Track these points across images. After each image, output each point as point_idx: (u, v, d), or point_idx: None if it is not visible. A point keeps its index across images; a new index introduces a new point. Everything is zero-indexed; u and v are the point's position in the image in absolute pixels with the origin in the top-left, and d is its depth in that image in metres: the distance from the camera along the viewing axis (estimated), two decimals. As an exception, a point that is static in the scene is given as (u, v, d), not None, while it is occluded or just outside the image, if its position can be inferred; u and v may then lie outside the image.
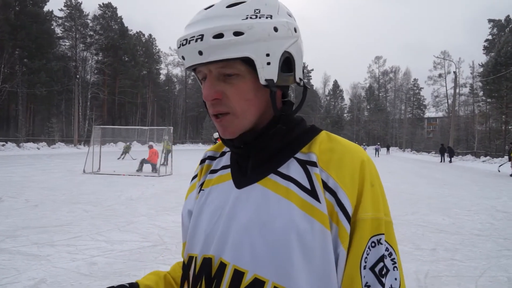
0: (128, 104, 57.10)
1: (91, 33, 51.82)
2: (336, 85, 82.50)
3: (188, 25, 0.71)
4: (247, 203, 0.73)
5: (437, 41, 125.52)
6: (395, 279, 0.69)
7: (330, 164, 0.72)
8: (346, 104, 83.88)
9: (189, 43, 0.68)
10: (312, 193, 0.69)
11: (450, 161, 32.14)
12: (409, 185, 13.29)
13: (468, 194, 11.40)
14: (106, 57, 51.87)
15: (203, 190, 0.84)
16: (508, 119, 42.24)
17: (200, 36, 0.67)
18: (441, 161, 32.88)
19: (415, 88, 75.07)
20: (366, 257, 0.68)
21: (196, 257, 0.78)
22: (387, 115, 75.20)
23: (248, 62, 0.70)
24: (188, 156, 27.91)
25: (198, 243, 0.78)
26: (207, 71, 0.72)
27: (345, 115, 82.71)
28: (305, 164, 0.73)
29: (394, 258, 0.71)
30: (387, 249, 0.70)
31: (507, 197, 10.84)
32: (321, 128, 0.81)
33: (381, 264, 0.68)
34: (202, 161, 0.92)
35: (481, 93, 50.60)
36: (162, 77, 71.36)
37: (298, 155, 0.75)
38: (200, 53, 0.68)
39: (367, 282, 0.67)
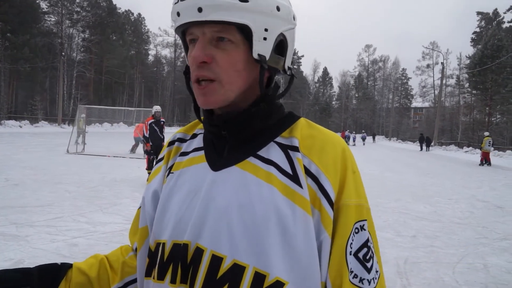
0: (115, 84, 56.12)
1: (78, 9, 50.31)
2: (325, 72, 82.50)
3: None
4: (225, 186, 0.69)
5: (427, 31, 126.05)
6: (377, 262, 0.71)
7: (312, 150, 0.71)
8: (335, 92, 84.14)
9: None
10: (294, 178, 0.68)
11: (428, 150, 34.09)
12: (393, 173, 13.48)
13: (450, 183, 11.63)
14: (93, 35, 50.58)
15: (172, 173, 0.79)
16: (492, 111, 43.01)
17: None
18: (420, 150, 34.61)
19: (403, 77, 75.63)
20: (351, 243, 0.68)
21: (164, 243, 0.73)
22: (374, 103, 75.74)
23: (245, 33, 0.68)
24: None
25: (166, 228, 0.73)
26: (200, 33, 0.68)
27: (333, 102, 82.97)
28: (287, 149, 0.72)
29: (372, 243, 0.72)
30: (369, 234, 0.71)
31: (488, 187, 11.10)
32: (305, 116, 0.81)
33: (365, 249, 0.69)
34: (171, 143, 0.87)
35: (466, 85, 51.23)
36: (151, 58, 70.25)
37: (279, 139, 0.73)
38: (200, 10, 0.65)
39: (351, 268, 0.67)
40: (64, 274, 0.79)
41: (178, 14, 0.68)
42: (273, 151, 0.72)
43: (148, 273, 0.77)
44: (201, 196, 0.70)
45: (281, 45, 0.73)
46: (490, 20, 54.52)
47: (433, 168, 16.80)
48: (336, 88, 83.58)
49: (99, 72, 52.41)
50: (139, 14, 65.83)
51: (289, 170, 0.69)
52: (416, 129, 64.26)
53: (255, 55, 0.69)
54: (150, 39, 68.30)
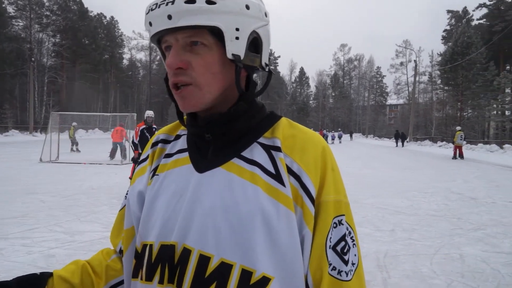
0: (89, 89, 54.87)
1: (48, 13, 48.94)
2: (302, 72, 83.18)
3: None
4: (210, 187, 0.71)
5: (399, 30, 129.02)
6: (355, 255, 0.74)
7: (294, 150, 0.73)
8: (312, 91, 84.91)
9: (159, 7, 0.67)
10: (277, 177, 0.70)
11: (403, 145, 35.14)
12: (371, 170, 13.72)
13: (425, 177, 11.94)
14: (64, 40, 49.36)
15: (157, 175, 0.80)
16: (463, 106, 44.35)
17: (171, 0, 0.66)
18: (396, 146, 35.61)
19: (378, 76, 77.12)
20: (331, 237, 0.71)
21: (151, 245, 0.73)
22: (351, 102, 76.88)
23: (217, 35, 0.69)
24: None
25: (154, 230, 0.74)
26: (173, 40, 0.70)
27: (310, 102, 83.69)
28: (269, 149, 0.74)
29: (353, 236, 0.74)
30: (347, 228, 0.74)
31: (461, 179, 11.45)
32: (281, 115, 0.82)
33: (343, 243, 0.72)
34: (154, 144, 0.87)
35: (439, 81, 52.68)
36: (125, 61, 69.12)
37: (261, 140, 0.75)
38: (170, 17, 0.66)
39: (331, 261, 0.70)
40: (45, 283, 0.77)
41: (150, 24, 0.70)
42: (256, 152, 0.73)
43: (135, 275, 0.78)
44: (187, 198, 0.72)
45: (255, 43, 0.74)
46: (459, 18, 56.29)
47: (409, 163, 17.21)
48: (313, 88, 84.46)
49: (71, 78, 51.11)
50: (112, 17, 64.71)
51: (272, 169, 0.71)
52: (392, 125, 65.55)
53: (229, 55, 0.70)
54: (124, 42, 67.21)
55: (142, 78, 70.79)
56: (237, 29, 0.69)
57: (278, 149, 0.73)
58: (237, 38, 0.69)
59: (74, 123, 18.28)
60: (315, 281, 0.70)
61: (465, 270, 3.90)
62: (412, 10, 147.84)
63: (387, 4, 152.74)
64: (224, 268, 0.67)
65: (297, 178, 0.71)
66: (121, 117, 19.01)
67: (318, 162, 0.73)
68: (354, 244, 0.74)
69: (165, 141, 0.86)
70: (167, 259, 0.70)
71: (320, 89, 79.23)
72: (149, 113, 8.59)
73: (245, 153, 0.74)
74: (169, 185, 0.76)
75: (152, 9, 0.68)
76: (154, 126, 8.38)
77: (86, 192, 8.06)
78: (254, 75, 0.80)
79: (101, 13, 61.73)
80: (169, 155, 0.82)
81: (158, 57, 72.39)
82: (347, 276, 0.70)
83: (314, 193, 0.71)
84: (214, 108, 0.75)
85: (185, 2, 0.65)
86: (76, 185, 8.90)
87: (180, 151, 0.81)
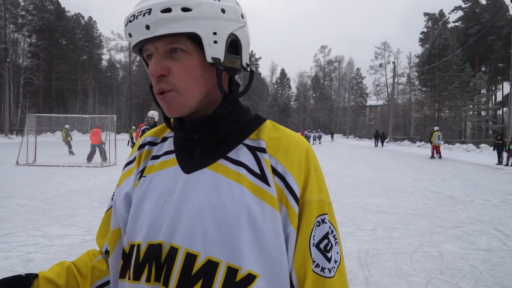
0: (67, 91, 53.77)
1: (23, 13, 47.65)
2: (283, 73, 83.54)
3: (137, 3, 0.71)
4: (197, 188, 0.73)
5: (378, 32, 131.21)
6: (337, 253, 0.76)
7: (278, 151, 0.75)
8: (293, 93, 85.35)
9: (136, 18, 0.69)
10: (262, 177, 0.72)
11: (382, 146, 35.89)
12: (352, 170, 13.90)
13: (405, 177, 12.17)
14: (40, 40, 48.17)
15: (144, 176, 0.81)
16: (441, 107, 45.49)
17: (148, 11, 0.68)
18: (375, 146, 36.32)
19: (358, 77, 78.17)
20: (314, 235, 0.73)
21: (139, 245, 0.75)
22: (332, 103, 77.65)
23: (195, 40, 0.70)
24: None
25: (141, 230, 0.75)
26: (153, 48, 0.72)
27: (292, 103, 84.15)
28: (255, 150, 0.75)
29: (335, 235, 0.77)
30: (329, 227, 0.76)
31: (440, 179, 11.73)
32: (265, 118, 0.84)
33: (326, 240, 0.74)
34: (141, 147, 0.88)
35: (417, 83, 53.88)
36: (104, 62, 67.84)
37: (247, 141, 0.77)
38: (147, 27, 0.68)
39: (314, 258, 0.72)
40: (30, 284, 0.77)
41: (130, 35, 0.71)
42: (242, 153, 0.75)
43: (122, 275, 0.79)
44: (174, 198, 0.73)
45: (234, 45, 0.76)
46: (436, 20, 57.70)
47: (389, 163, 17.51)
48: (294, 89, 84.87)
49: (48, 79, 49.92)
50: (90, 17, 63.48)
51: (257, 170, 0.73)
52: (372, 126, 66.63)
53: (208, 59, 0.71)
54: (103, 43, 66.02)
55: (122, 79, 69.67)
56: (215, 33, 0.71)
57: (263, 150, 0.75)
58: (215, 42, 0.71)
59: (67, 126, 17.68)
60: (299, 278, 0.72)
61: (444, 267, 3.99)
62: (390, 13, 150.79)
63: (366, 7, 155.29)
64: (211, 266, 0.68)
65: (282, 178, 0.73)
66: (101, 119, 18.64)
67: (302, 163, 0.75)
68: (336, 242, 0.76)
69: (152, 143, 0.88)
70: (154, 258, 0.72)
71: (301, 91, 79.77)
72: (152, 113, 8.08)
73: (231, 154, 0.75)
74: (157, 186, 0.77)
75: (130, 21, 0.70)
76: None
77: (65, 195, 7.89)
78: (236, 76, 0.81)
79: (78, 13, 60.54)
80: (156, 157, 0.83)
81: (138, 58, 71.32)
82: (330, 272, 0.72)
83: (298, 192, 0.73)
84: (200, 112, 0.76)
85: (161, 11, 0.67)
86: (55, 188, 8.69)
87: (167, 152, 0.82)
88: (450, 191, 9.19)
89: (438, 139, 20.74)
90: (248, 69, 0.81)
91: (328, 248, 0.74)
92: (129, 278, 0.75)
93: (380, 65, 69.98)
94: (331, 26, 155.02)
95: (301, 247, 0.72)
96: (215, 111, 0.76)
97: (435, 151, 20.90)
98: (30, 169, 12.66)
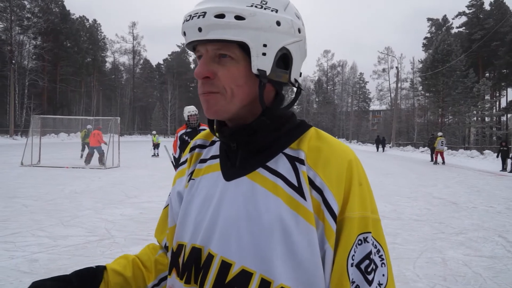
0: (71, 92, 53.99)
1: (29, 15, 47.95)
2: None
3: (197, 3, 0.73)
4: (235, 196, 0.74)
5: (382, 37, 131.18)
6: (383, 275, 0.72)
7: (318, 163, 0.73)
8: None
9: (192, 19, 0.70)
10: (299, 190, 0.71)
11: (383, 150, 35.87)
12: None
13: (408, 182, 12.15)
14: (45, 42, 48.39)
15: (193, 179, 0.84)
16: (444, 112, 45.38)
17: (202, 13, 0.69)
18: (377, 151, 36.32)
19: (361, 81, 78.05)
20: (353, 255, 0.69)
21: (185, 245, 0.78)
22: (334, 107, 77.54)
23: (245, 49, 0.70)
24: (137, 148, 27.07)
25: (188, 231, 0.78)
26: (204, 50, 0.73)
27: (295, 107, 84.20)
28: (294, 161, 0.74)
29: (382, 255, 0.73)
30: (375, 246, 0.72)
31: (443, 184, 11.70)
32: (311, 124, 0.82)
33: (367, 261, 0.70)
34: (192, 149, 0.91)
35: (420, 88, 53.80)
36: (108, 65, 68.22)
37: (287, 151, 0.76)
38: (200, 29, 0.69)
39: (353, 279, 0.69)
40: (102, 276, 0.81)
41: (184, 33, 0.73)
42: (281, 163, 0.74)
43: (169, 272, 0.83)
44: (213, 205, 0.75)
45: (285, 58, 0.75)
46: (440, 26, 57.61)
47: (391, 168, 17.48)
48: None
49: (53, 81, 50.13)
50: (95, 20, 63.97)
51: (295, 182, 0.71)
52: (375, 131, 66.43)
53: (254, 70, 0.71)
54: (107, 45, 66.43)
55: (125, 82, 69.95)
56: (265, 45, 0.70)
57: (301, 161, 0.73)
58: (264, 54, 0.70)
59: (89, 126, 17.42)
60: None
61: (447, 274, 3.99)
62: (394, 18, 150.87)
63: (369, 12, 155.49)
64: (245, 276, 0.68)
65: (320, 192, 0.70)
66: (104, 121, 18.68)
67: (343, 176, 0.71)
68: (383, 263, 0.72)
69: (202, 146, 0.90)
70: (194, 261, 0.75)
71: (304, 95, 79.76)
72: (190, 109, 5.92)
73: (270, 164, 0.75)
74: (202, 190, 0.80)
75: (186, 20, 0.71)
76: (204, 126, 5.81)
77: (69, 196, 7.93)
78: (285, 89, 0.81)
79: (83, 16, 61.00)
80: (204, 160, 0.86)
81: (141, 61, 71.83)
82: None
83: (336, 208, 0.70)
84: (240, 120, 0.77)
85: (215, 16, 0.68)
86: (59, 189, 8.74)
87: (213, 157, 0.84)
88: (454, 197, 9.16)
89: (442, 145, 20.68)
90: (296, 85, 0.80)
91: (369, 269, 0.70)
92: (176, 275, 0.80)
93: (383, 70, 69.87)
94: (335, 31, 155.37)
95: (339, 266, 0.69)
96: (252, 122, 0.76)
97: (437, 156, 20.83)
98: (34, 170, 12.72)
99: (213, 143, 0.89)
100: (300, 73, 0.81)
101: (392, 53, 65.25)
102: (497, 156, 18.89)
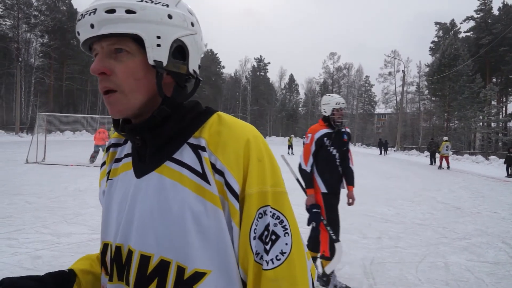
0: (77, 91, 54.30)
1: (36, 13, 48.32)
2: (292, 79, 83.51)
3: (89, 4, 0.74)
4: (146, 192, 0.76)
5: (388, 40, 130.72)
6: (286, 244, 0.74)
7: (218, 147, 0.75)
8: (301, 98, 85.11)
9: (83, 17, 0.72)
10: (203, 176, 0.74)
11: (385, 154, 36.08)
12: (358, 178, 13.80)
13: (411, 186, 12.08)
14: (52, 40, 48.72)
15: (111, 179, 0.86)
16: (450, 117, 45.11)
17: (93, 10, 0.71)
18: (380, 154, 36.33)
19: (366, 85, 77.82)
20: (255, 228, 0.73)
21: (110, 244, 0.81)
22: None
23: (139, 42, 0.73)
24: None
25: (111, 231, 0.81)
26: (99, 47, 0.74)
27: (300, 108, 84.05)
28: (197, 149, 0.76)
29: (286, 225, 0.75)
30: (277, 218, 0.75)
31: (447, 189, 11.63)
32: (216, 110, 0.84)
33: (266, 232, 0.74)
34: (108, 149, 0.93)
35: (426, 92, 53.50)
36: (114, 64, 68.51)
37: (191, 140, 0.78)
38: (92, 26, 0.71)
39: (257, 250, 0.73)
40: (75, 277, 0.85)
41: (78, 33, 0.74)
42: (186, 153, 0.76)
43: (100, 270, 0.87)
44: (128, 203, 0.78)
45: (181, 50, 0.77)
46: (447, 30, 57.33)
47: (395, 172, 17.40)
48: (302, 95, 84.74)
49: (59, 79, 50.45)
50: (102, 19, 64.29)
51: (199, 169, 0.74)
52: (380, 134, 66.12)
53: (150, 62, 0.73)
54: (114, 45, 66.72)
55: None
56: (158, 37, 0.73)
57: (203, 148, 0.76)
58: (158, 45, 0.73)
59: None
60: (244, 270, 0.74)
61: (450, 279, 3.97)
62: (401, 21, 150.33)
63: (376, 14, 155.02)
64: (163, 265, 0.72)
65: (221, 174, 0.73)
66: (109, 119, 18.73)
67: (240, 156, 0.74)
68: (286, 233, 0.75)
69: (116, 145, 0.92)
70: (116, 259, 0.78)
71: (310, 97, 79.63)
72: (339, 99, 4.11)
73: (176, 155, 0.77)
74: (120, 189, 0.82)
75: (79, 19, 0.73)
76: (347, 129, 4.19)
77: (73, 194, 7.97)
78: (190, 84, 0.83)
79: (91, 14, 61.31)
80: (119, 160, 0.88)
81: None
82: (267, 265, 0.72)
83: (237, 188, 0.73)
84: (145, 115, 0.78)
85: (106, 12, 0.70)
86: (63, 187, 8.78)
87: (127, 155, 0.86)
88: (458, 202, 9.11)
89: (447, 149, 20.57)
90: (195, 76, 0.82)
91: (267, 240, 0.73)
92: (105, 274, 0.83)
93: (390, 73, 69.58)
94: (341, 34, 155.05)
95: (243, 242, 0.73)
96: (153, 113, 0.77)
97: (442, 160, 20.71)
98: (39, 167, 12.80)
99: (126, 141, 0.89)
100: (199, 66, 0.84)
101: (399, 57, 65.07)
102: (504, 163, 18.73)
